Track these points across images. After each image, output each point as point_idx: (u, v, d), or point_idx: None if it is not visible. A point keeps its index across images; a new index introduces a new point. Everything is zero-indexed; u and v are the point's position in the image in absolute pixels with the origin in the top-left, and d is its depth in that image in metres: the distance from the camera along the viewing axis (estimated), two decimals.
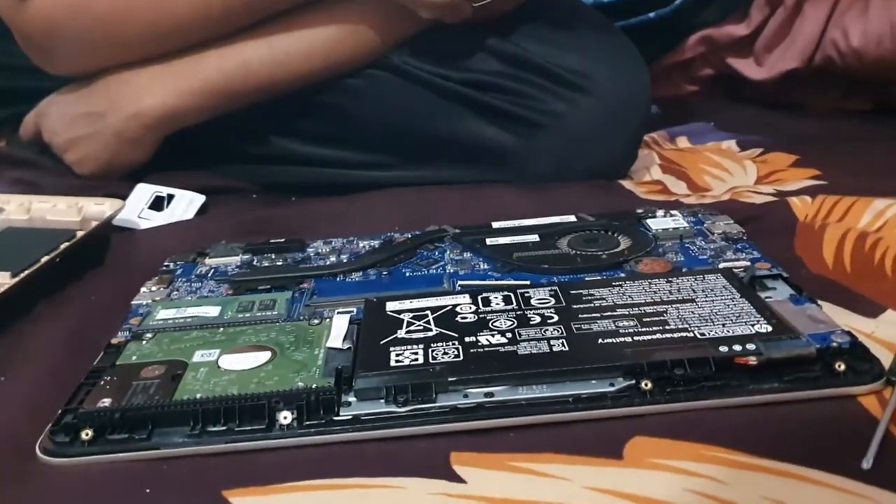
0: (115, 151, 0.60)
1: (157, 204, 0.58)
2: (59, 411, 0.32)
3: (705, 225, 0.47)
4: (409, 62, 0.59)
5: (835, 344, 0.33)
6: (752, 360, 0.32)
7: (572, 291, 0.38)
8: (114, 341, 0.38)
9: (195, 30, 0.57)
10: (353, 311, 0.39)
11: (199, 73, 0.58)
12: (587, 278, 0.41)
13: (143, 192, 0.58)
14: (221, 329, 0.38)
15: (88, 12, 0.57)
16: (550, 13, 0.61)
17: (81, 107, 0.61)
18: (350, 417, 0.31)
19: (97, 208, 0.53)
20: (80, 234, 0.50)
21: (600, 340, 0.34)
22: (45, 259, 0.46)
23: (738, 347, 0.32)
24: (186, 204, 0.58)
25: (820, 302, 0.37)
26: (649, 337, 0.34)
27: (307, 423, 0.31)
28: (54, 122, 0.62)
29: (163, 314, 0.40)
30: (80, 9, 0.57)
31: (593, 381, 0.32)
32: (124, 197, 0.57)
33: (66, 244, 0.48)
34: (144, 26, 0.57)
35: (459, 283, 0.42)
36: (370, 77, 0.59)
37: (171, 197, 0.58)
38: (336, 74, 0.59)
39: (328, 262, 0.46)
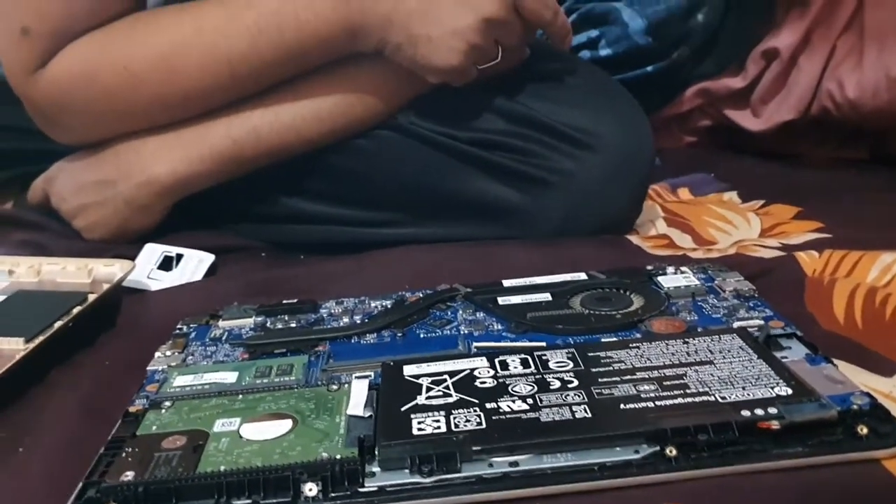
0: (125, 218, 0.60)
1: (166, 264, 0.58)
2: (81, 484, 0.32)
3: (716, 282, 0.47)
4: (416, 122, 0.60)
5: (855, 406, 0.33)
6: (775, 425, 0.32)
7: (590, 354, 0.38)
8: (131, 409, 0.38)
9: (202, 100, 0.58)
10: (370, 376, 0.39)
11: (209, 141, 0.58)
12: (603, 339, 0.41)
13: (152, 253, 0.59)
14: (240, 396, 0.38)
15: (95, 84, 0.57)
16: (552, 70, 0.62)
17: (91, 174, 0.61)
18: (376, 489, 0.31)
19: (107, 270, 0.53)
20: (91, 297, 0.50)
21: (622, 406, 0.34)
22: (58, 324, 0.46)
23: (759, 412, 0.32)
24: (195, 264, 0.58)
25: (835, 360, 0.38)
26: (671, 402, 0.34)
27: (332, 494, 0.31)
28: (63, 188, 0.62)
29: (180, 381, 0.40)
30: (88, 81, 0.57)
31: (617, 449, 0.32)
32: (133, 258, 0.57)
33: (79, 308, 0.48)
34: (151, 97, 0.58)
35: (475, 344, 0.42)
36: (377, 137, 0.60)
37: (179, 257, 0.58)
38: (345, 137, 0.60)
39: (341, 323, 0.46)
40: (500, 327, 0.44)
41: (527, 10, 0.56)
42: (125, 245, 0.60)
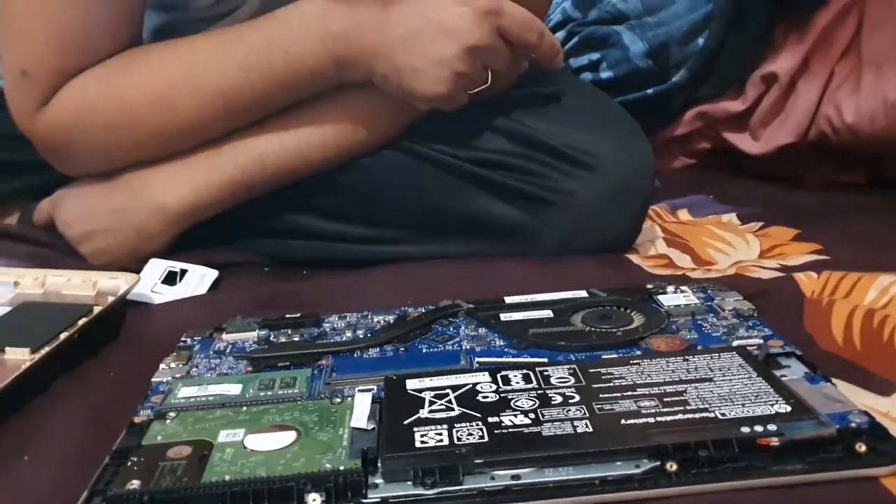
0: (133, 246, 0.61)
1: (170, 279, 0.58)
2: (87, 493, 0.33)
3: (715, 301, 0.47)
4: (420, 142, 0.60)
5: (854, 424, 0.33)
6: (775, 442, 0.32)
7: (591, 370, 0.39)
8: (136, 420, 0.38)
9: (201, 132, 0.59)
10: (373, 389, 0.39)
11: (217, 169, 0.59)
12: (604, 356, 0.42)
13: (156, 267, 0.59)
14: (245, 408, 0.38)
15: (96, 121, 0.59)
16: (555, 91, 0.63)
17: (99, 201, 0.62)
18: (378, 500, 0.32)
19: (112, 283, 0.54)
20: (96, 309, 0.50)
21: (623, 421, 0.34)
22: (63, 335, 0.46)
23: (759, 428, 0.33)
24: (199, 279, 0.58)
25: (834, 380, 0.38)
26: (671, 417, 0.34)
27: None
28: (69, 214, 0.63)
29: (184, 392, 0.40)
30: (89, 118, 0.59)
31: (618, 463, 0.32)
32: (137, 271, 0.57)
33: (84, 320, 0.49)
34: (152, 131, 0.59)
35: (477, 359, 0.43)
36: (381, 155, 0.61)
37: (183, 272, 0.59)
38: (349, 159, 0.60)
39: (344, 338, 0.47)
40: (502, 343, 0.45)
41: (511, 35, 0.56)
42: None
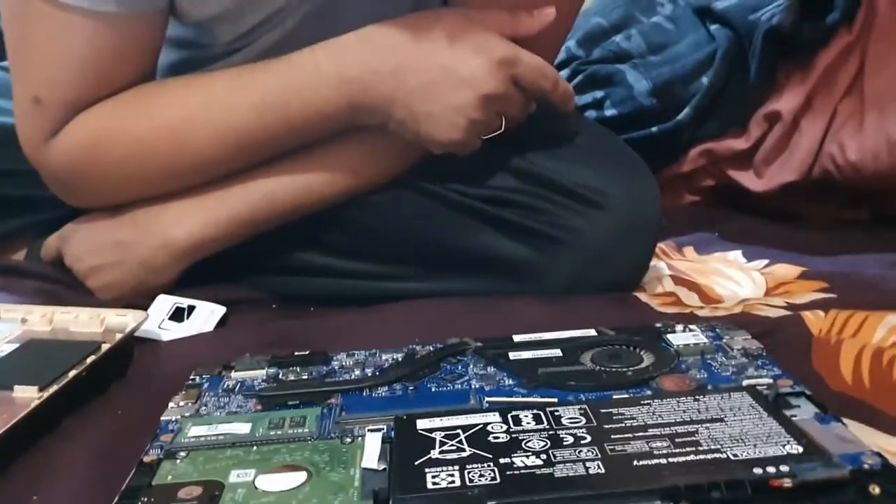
0: (140, 280, 0.61)
1: (178, 315, 0.58)
2: None
3: (724, 340, 0.47)
4: (428, 179, 0.61)
5: (866, 466, 0.33)
6: (787, 483, 0.32)
7: (602, 410, 0.39)
8: (146, 459, 0.38)
9: (211, 170, 0.60)
10: (383, 429, 0.39)
11: (225, 206, 0.60)
12: (615, 396, 0.41)
13: (164, 304, 0.59)
14: (255, 447, 0.38)
15: (109, 155, 0.59)
16: (562, 130, 0.63)
17: (107, 235, 0.62)
18: None
19: (120, 319, 0.54)
20: (104, 346, 0.50)
21: (635, 462, 0.34)
22: (72, 373, 0.46)
23: (771, 469, 0.33)
24: (207, 315, 0.59)
25: (844, 420, 0.38)
26: (683, 458, 0.34)
27: None
28: (77, 248, 0.63)
29: (194, 431, 0.40)
30: (99, 150, 0.59)
31: None
32: (145, 308, 0.58)
33: (92, 357, 0.48)
34: (162, 167, 0.59)
35: (487, 399, 0.43)
36: (389, 192, 0.61)
37: (191, 308, 0.59)
38: (357, 195, 0.61)
39: (353, 376, 0.47)
40: (511, 382, 0.44)
41: (525, 83, 0.57)
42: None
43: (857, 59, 0.79)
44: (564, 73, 0.92)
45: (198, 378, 0.48)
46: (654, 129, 0.86)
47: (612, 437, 0.36)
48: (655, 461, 0.34)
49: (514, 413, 0.39)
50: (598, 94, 0.90)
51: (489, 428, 0.38)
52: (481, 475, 0.34)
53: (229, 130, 0.58)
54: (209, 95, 0.58)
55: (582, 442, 0.36)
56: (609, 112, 0.88)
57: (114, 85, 0.59)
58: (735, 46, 0.83)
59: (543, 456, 0.35)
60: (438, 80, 0.55)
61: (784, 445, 0.35)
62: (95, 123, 0.59)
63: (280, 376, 0.47)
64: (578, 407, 0.39)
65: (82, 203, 0.64)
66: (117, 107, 0.59)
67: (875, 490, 0.32)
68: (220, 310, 0.59)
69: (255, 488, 0.34)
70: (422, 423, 0.39)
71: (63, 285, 0.64)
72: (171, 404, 0.44)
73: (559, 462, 0.34)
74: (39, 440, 0.42)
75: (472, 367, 0.47)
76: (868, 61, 0.79)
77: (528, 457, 0.35)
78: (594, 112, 0.89)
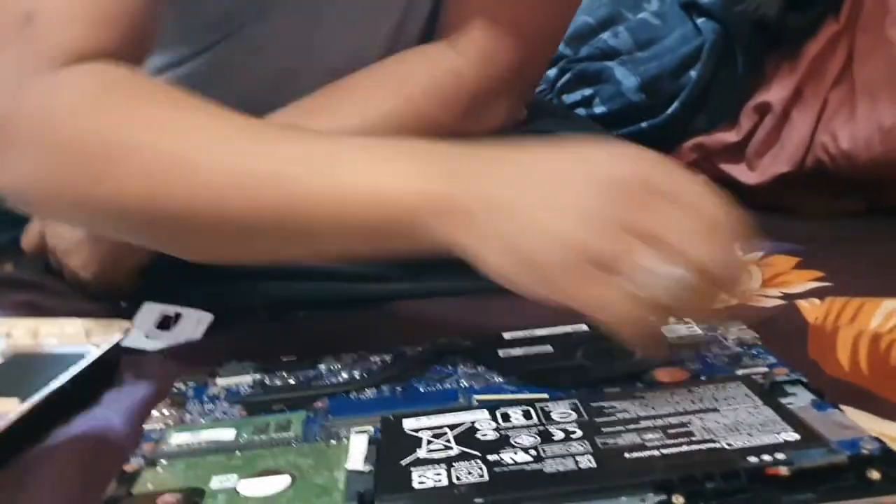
0: (118, 254, 0.59)
1: (165, 323, 0.58)
2: None
3: (719, 331, 0.46)
4: None
5: (865, 451, 0.32)
6: (784, 471, 0.31)
7: (593, 404, 0.38)
8: (127, 468, 0.37)
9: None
10: (370, 430, 0.38)
11: None
12: (606, 389, 0.41)
13: (150, 312, 0.58)
14: (238, 453, 0.37)
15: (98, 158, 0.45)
16: (551, 128, 0.63)
17: None
18: None
19: (105, 330, 0.53)
20: (89, 357, 0.49)
21: (627, 455, 0.33)
22: (55, 385, 0.46)
23: (767, 458, 0.32)
24: (194, 323, 0.58)
25: (842, 406, 0.37)
26: (676, 449, 0.33)
27: None
28: (59, 225, 0.62)
29: (176, 439, 0.39)
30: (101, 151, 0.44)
31: (623, 499, 0.31)
32: (130, 317, 0.57)
33: (77, 369, 0.48)
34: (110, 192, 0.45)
35: (476, 397, 0.42)
36: None
37: (178, 316, 0.58)
38: None
39: (340, 379, 0.46)
40: (500, 380, 0.44)
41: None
42: (123, 301, 0.59)
43: (845, 47, 0.79)
44: (552, 71, 0.92)
45: (182, 386, 0.47)
46: (643, 124, 0.85)
47: (604, 430, 0.35)
48: (648, 453, 0.33)
49: (503, 410, 0.38)
50: (587, 91, 0.89)
51: (477, 426, 0.37)
52: (469, 473, 0.33)
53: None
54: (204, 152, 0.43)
55: (572, 436, 0.35)
56: (598, 109, 0.87)
57: (119, 22, 0.46)
58: (722, 39, 0.82)
59: (533, 452, 0.34)
60: None
61: (780, 433, 0.34)
62: (107, 117, 0.44)
63: (266, 381, 0.46)
64: (569, 402, 0.38)
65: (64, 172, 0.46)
66: (104, 101, 0.45)
67: (874, 475, 0.31)
68: (207, 317, 0.58)
69: (237, 494, 0.34)
70: (408, 423, 0.38)
71: (47, 294, 0.63)
72: (154, 413, 0.43)
73: (549, 457, 0.33)
74: (23, 452, 0.42)
75: (460, 366, 0.46)
76: (857, 49, 0.78)
77: (516, 453, 0.34)
78: (583, 110, 0.88)
